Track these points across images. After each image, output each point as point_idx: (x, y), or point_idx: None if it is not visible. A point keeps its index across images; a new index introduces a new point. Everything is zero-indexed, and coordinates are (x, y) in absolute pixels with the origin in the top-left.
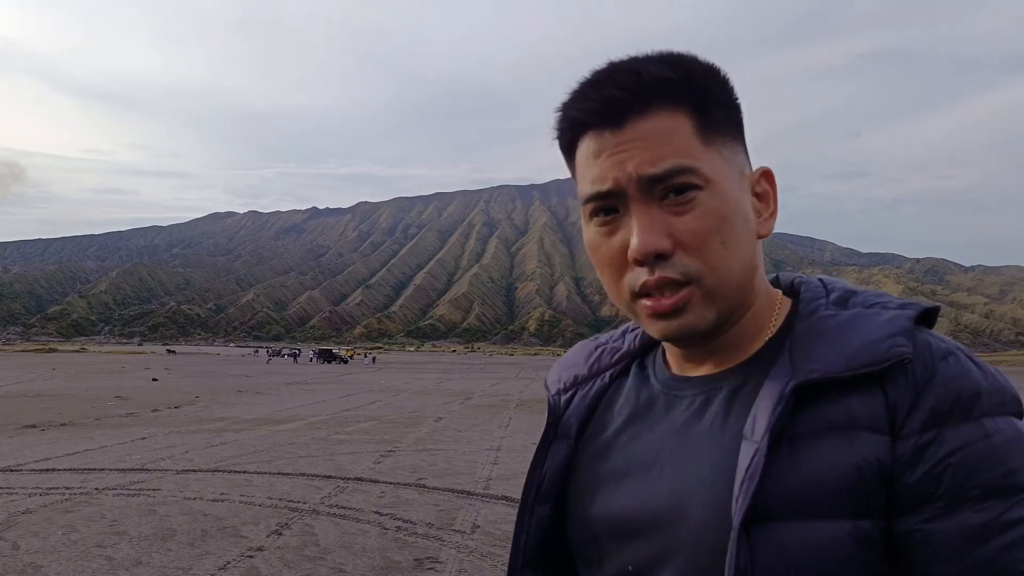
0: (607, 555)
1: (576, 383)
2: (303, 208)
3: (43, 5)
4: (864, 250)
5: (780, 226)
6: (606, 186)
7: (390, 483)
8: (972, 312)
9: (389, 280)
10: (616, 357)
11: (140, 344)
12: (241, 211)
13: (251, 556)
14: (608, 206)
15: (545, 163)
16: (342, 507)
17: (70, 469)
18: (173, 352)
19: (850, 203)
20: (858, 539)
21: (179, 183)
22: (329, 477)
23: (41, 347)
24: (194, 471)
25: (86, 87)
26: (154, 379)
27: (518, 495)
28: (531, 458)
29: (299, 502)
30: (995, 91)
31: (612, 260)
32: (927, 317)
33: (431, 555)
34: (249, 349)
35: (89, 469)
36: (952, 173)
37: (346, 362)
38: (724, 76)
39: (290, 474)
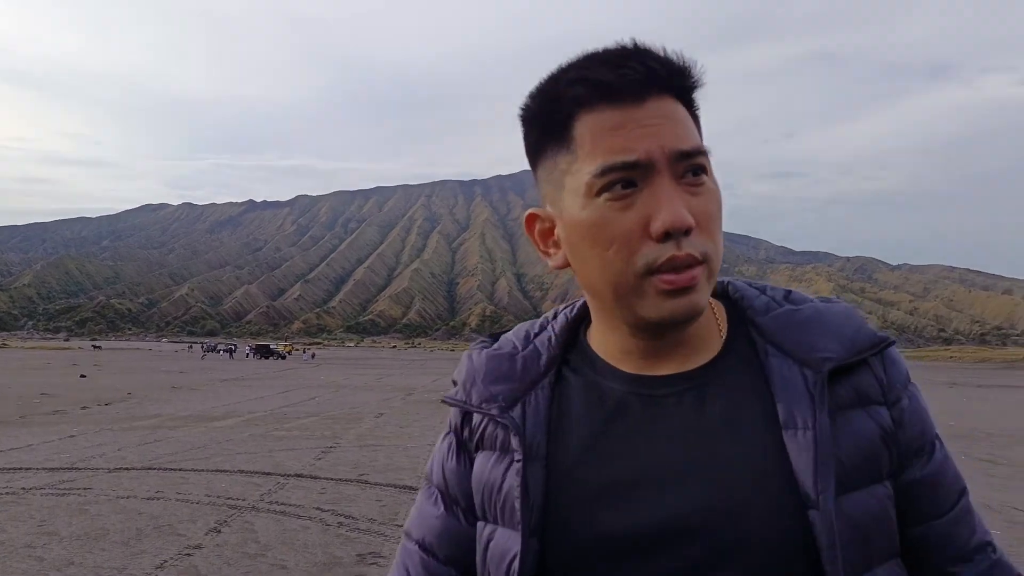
0: (623, 573)
1: (517, 398)
2: (240, 201)
3: None
4: (798, 248)
5: None
6: (634, 156)
7: (331, 479)
8: (898, 309)
9: (328, 275)
10: (544, 363)
11: (67, 339)
12: (175, 203)
13: (189, 554)
14: (628, 178)
15: (487, 159)
16: (282, 504)
17: None
18: (98, 347)
19: (784, 203)
20: (890, 499)
21: (108, 172)
22: (268, 474)
23: None
24: (127, 469)
25: (9, 72)
26: (82, 375)
27: None
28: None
29: (238, 499)
30: (919, 96)
31: (626, 235)
32: None
33: (374, 550)
34: (183, 345)
35: (15, 468)
36: (880, 174)
37: (284, 358)
38: None
39: (228, 471)
